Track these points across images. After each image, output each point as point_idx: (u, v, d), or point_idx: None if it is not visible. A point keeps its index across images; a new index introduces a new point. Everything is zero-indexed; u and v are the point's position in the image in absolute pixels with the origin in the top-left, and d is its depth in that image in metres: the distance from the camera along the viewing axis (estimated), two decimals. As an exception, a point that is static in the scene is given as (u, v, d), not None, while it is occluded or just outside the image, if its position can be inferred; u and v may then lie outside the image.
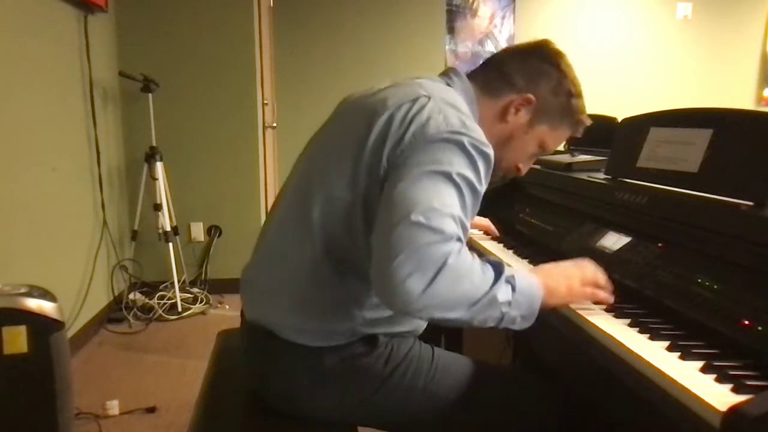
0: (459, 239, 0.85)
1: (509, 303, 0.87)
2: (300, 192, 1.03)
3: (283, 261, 1.04)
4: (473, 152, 0.91)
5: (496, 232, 1.60)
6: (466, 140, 0.90)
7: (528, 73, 1.07)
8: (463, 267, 0.83)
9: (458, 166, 0.89)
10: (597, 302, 1.00)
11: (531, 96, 1.06)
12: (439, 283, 0.80)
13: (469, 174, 0.90)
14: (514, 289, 0.88)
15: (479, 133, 0.94)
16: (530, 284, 0.92)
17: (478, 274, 0.85)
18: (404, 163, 0.89)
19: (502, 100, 1.07)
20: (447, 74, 1.10)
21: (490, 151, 0.94)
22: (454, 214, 0.85)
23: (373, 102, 1.00)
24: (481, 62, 1.15)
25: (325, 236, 0.98)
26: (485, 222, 1.61)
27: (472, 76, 1.11)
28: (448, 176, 0.87)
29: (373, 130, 0.94)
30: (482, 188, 0.94)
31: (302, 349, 1.03)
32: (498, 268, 0.89)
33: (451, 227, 0.84)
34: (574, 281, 0.99)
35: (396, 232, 0.81)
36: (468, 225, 0.91)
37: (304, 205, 1.00)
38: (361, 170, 0.95)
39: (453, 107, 0.96)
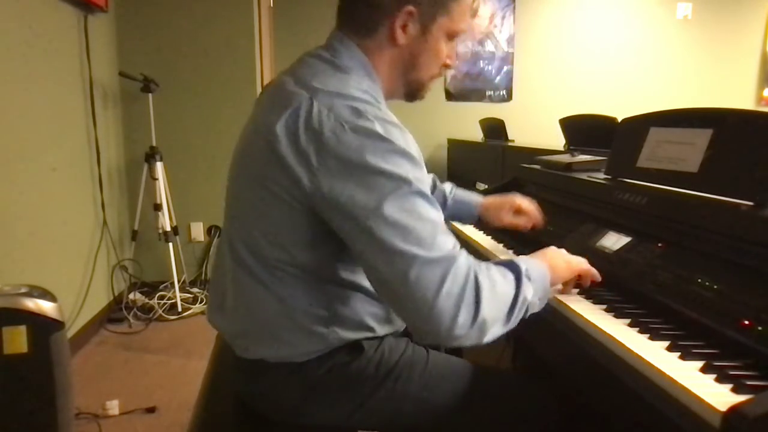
0: (456, 245, 0.85)
1: (533, 294, 0.91)
2: (230, 242, 1.01)
3: (238, 304, 1.02)
4: (394, 153, 0.84)
5: (540, 220, 1.44)
6: (377, 148, 0.84)
7: None
8: (487, 277, 0.84)
9: (405, 169, 0.84)
10: (589, 279, 1.06)
11: (409, 8, 0.95)
12: (484, 307, 0.81)
13: (416, 171, 0.85)
14: (529, 279, 0.91)
15: (375, 115, 0.86)
16: (540, 269, 0.95)
17: (502, 280, 0.87)
18: (350, 191, 0.83)
19: (383, 31, 0.97)
20: (331, 45, 1.01)
21: (394, 122, 0.89)
22: (438, 226, 0.84)
23: (262, 121, 0.93)
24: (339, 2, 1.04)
25: (266, 273, 0.96)
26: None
27: (340, 23, 1.03)
28: (410, 190, 0.83)
29: (278, 151, 0.87)
30: (418, 154, 0.89)
31: (288, 367, 1.01)
32: (514, 267, 0.90)
33: (448, 242, 0.83)
34: (568, 257, 1.06)
35: (413, 278, 0.79)
36: (442, 216, 0.89)
37: (237, 253, 0.98)
38: (293, 195, 0.88)
39: (337, 96, 0.88)
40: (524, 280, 0.89)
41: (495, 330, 0.85)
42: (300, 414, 1.03)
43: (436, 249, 0.81)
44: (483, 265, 0.87)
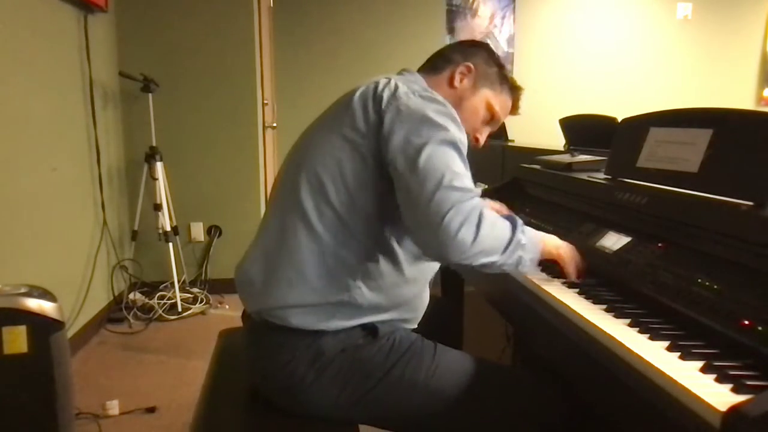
0: (476, 191, 1.02)
1: (525, 246, 1.07)
2: (290, 182, 1.12)
3: (280, 242, 1.09)
4: (447, 115, 1.06)
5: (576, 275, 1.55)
6: (437, 108, 1.06)
7: (462, 51, 1.28)
8: (491, 215, 1.02)
9: (445, 131, 1.03)
10: (574, 273, 1.16)
11: (470, 64, 1.25)
12: (484, 230, 0.97)
13: (459, 135, 1.06)
14: (523, 232, 1.07)
15: (438, 96, 1.11)
16: (534, 232, 1.12)
17: (500, 222, 1.05)
18: (406, 133, 1.02)
19: (446, 73, 1.25)
20: (400, 73, 1.26)
21: (451, 109, 1.10)
22: (468, 174, 1.03)
23: (343, 98, 1.14)
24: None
25: (317, 214, 1.07)
26: (498, 206, 1.56)
27: (421, 68, 1.30)
28: (451, 143, 1.02)
29: (354, 109, 1.08)
30: (465, 140, 1.09)
31: (303, 338, 1.05)
32: (512, 219, 1.08)
33: (472, 185, 1.02)
34: (562, 245, 1.19)
35: (438, 197, 0.96)
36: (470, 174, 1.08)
37: (296, 192, 1.09)
38: (360, 145, 1.06)
39: (411, 82, 1.15)
40: (519, 227, 1.07)
41: (492, 258, 1.02)
42: (308, 395, 1.06)
43: (459, 182, 0.98)
44: (489, 211, 1.03)
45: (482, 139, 1.29)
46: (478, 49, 1.29)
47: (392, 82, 1.09)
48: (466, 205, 0.96)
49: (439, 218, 0.95)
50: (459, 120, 1.08)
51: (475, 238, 0.96)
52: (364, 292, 1.07)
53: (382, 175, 1.05)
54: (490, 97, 1.26)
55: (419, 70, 1.28)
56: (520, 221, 1.08)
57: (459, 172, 1.00)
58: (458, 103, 1.22)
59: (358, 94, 1.09)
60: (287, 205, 1.10)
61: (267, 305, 1.09)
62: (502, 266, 1.05)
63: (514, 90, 1.31)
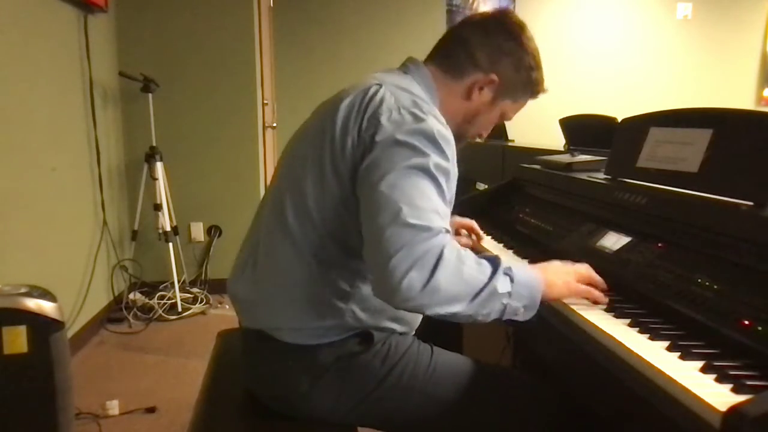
0: (447, 231, 0.89)
1: (509, 294, 0.91)
2: (276, 202, 1.07)
3: (267, 263, 1.06)
4: (429, 138, 0.93)
5: (480, 233, 1.50)
6: (420, 128, 0.94)
7: (491, 52, 1.10)
8: (457, 257, 0.87)
9: (430, 156, 0.92)
10: (592, 301, 1.01)
11: (494, 77, 1.09)
12: (439, 276, 0.84)
13: (440, 160, 0.93)
14: (512, 279, 0.91)
15: (432, 114, 0.98)
16: (528, 275, 0.95)
17: (474, 266, 0.89)
18: (376, 157, 0.92)
19: (466, 81, 1.11)
20: (404, 64, 1.16)
21: (448, 132, 0.98)
22: (437, 209, 0.89)
23: (332, 101, 1.06)
24: (444, 36, 1.17)
25: (303, 236, 1.02)
26: (469, 222, 1.49)
27: (434, 56, 1.15)
28: (424, 170, 0.90)
29: (337, 124, 0.99)
30: (455, 168, 0.98)
31: (298, 349, 1.03)
32: (494, 261, 0.92)
33: (437, 222, 0.87)
34: (570, 277, 1.02)
35: (387, 234, 0.85)
36: (449, 212, 0.96)
37: (281, 212, 1.04)
38: (339, 165, 0.98)
39: (404, 90, 1.02)
40: (500, 273, 0.91)
41: (455, 307, 0.87)
42: (305, 403, 1.05)
43: (422, 219, 0.86)
44: (464, 251, 0.90)
45: (486, 134, 1.21)
46: (512, 48, 1.10)
47: (380, 94, 0.99)
48: (420, 247, 0.83)
49: (386, 258, 0.83)
50: (450, 141, 0.97)
51: (425, 285, 0.83)
52: (356, 314, 1.04)
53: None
54: (507, 107, 1.16)
55: (431, 59, 1.14)
56: (502, 265, 0.92)
57: (421, 206, 0.87)
58: (470, 116, 1.14)
59: (344, 105, 1.00)
60: (274, 225, 1.06)
61: (257, 325, 1.07)
62: (476, 317, 0.90)
63: (536, 94, 1.18)
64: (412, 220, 0.85)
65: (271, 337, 1.05)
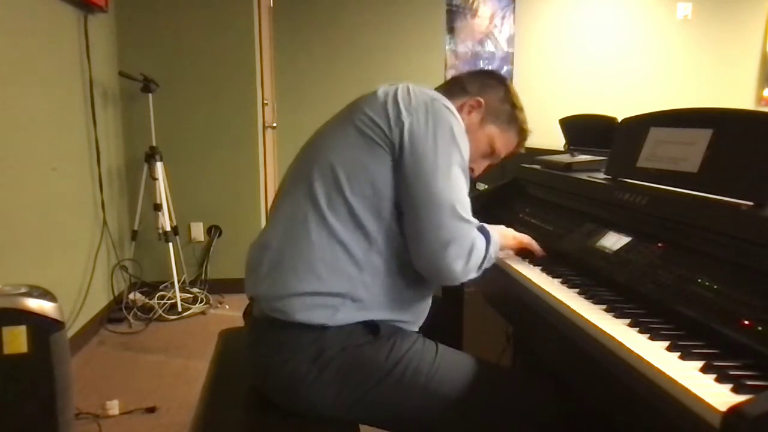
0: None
1: (492, 257, 1.17)
2: (302, 171, 1.14)
3: (289, 230, 1.10)
4: (459, 138, 1.11)
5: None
6: (455, 128, 1.11)
7: (479, 84, 1.31)
8: (477, 241, 1.10)
9: (459, 153, 1.10)
10: (534, 250, 1.33)
11: (481, 99, 1.28)
12: (471, 263, 1.08)
13: (467, 156, 1.13)
14: (490, 242, 1.15)
15: (455, 112, 1.15)
16: (494, 237, 1.18)
17: (481, 244, 1.12)
18: (421, 148, 1.07)
19: (457, 102, 1.25)
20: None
21: (463, 130, 1.15)
22: (469, 201, 1.10)
23: (361, 97, 1.18)
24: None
25: (328, 199, 1.09)
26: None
27: (438, 88, 1.29)
28: (462, 168, 1.10)
29: (368, 108, 1.12)
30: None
31: (306, 335, 1.05)
32: (485, 233, 1.15)
33: (471, 214, 1.09)
34: (512, 233, 1.34)
35: (446, 226, 1.05)
36: None
37: (308, 177, 1.11)
38: (376, 137, 1.09)
39: (426, 89, 1.18)
40: (491, 245, 1.15)
41: (471, 275, 1.11)
42: (308, 395, 1.06)
43: (468, 213, 1.08)
44: (477, 237, 1.12)
45: (477, 170, 1.32)
46: (497, 84, 1.31)
47: (410, 88, 1.13)
48: (467, 240, 1.06)
49: (440, 246, 1.04)
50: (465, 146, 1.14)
51: (464, 268, 1.07)
52: (366, 285, 1.08)
53: (396, 176, 1.08)
54: (494, 134, 1.30)
55: (436, 89, 1.27)
56: (489, 235, 1.15)
57: (465, 200, 1.07)
58: None
59: (380, 92, 1.13)
60: (299, 193, 1.11)
61: (271, 292, 1.09)
62: (474, 278, 1.14)
63: (522, 132, 1.34)
64: (462, 214, 1.06)
65: (279, 321, 1.07)
